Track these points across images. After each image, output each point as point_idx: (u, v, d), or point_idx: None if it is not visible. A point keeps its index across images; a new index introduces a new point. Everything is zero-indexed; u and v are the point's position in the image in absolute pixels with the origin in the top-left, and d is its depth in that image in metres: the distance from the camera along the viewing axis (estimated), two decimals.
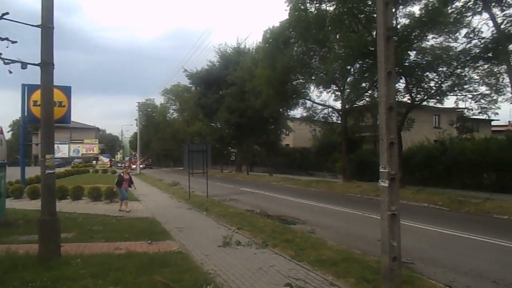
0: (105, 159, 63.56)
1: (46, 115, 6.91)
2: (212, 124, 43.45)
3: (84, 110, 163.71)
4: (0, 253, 6.67)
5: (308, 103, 29.39)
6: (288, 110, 33.29)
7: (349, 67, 23.26)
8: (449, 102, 22.17)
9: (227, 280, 5.74)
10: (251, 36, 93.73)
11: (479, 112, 20.15)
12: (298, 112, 32.88)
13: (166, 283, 5.37)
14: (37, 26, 6.87)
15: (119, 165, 68.39)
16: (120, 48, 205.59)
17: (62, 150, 60.18)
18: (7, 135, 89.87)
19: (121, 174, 14.38)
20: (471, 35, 17.10)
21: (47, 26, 6.83)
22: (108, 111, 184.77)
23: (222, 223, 10.84)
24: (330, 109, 28.55)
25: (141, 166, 52.08)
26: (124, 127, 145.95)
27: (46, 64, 6.84)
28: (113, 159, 76.56)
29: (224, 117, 36.92)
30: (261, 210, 14.13)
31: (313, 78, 26.21)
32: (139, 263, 6.26)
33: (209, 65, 41.66)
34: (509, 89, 17.64)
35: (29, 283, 5.23)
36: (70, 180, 27.24)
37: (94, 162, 60.16)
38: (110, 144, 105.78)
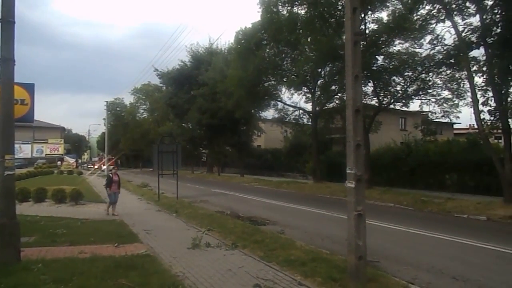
0: (70, 160, 61.20)
1: (5, 113, 6.62)
2: (183, 124, 42.91)
3: (49, 109, 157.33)
4: None
5: (280, 105, 29.71)
6: (260, 112, 33.41)
7: (319, 70, 23.72)
8: (415, 105, 23.09)
9: (196, 283, 5.68)
10: (223, 36, 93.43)
11: (442, 116, 21.03)
12: (269, 113, 33.18)
13: (132, 287, 5.25)
14: None
15: (88, 166, 66.09)
16: (88, 44, 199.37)
17: (25, 150, 57.40)
18: None
19: (110, 175, 13.47)
20: (434, 42, 17.85)
21: (7, 20, 6.54)
22: (74, 110, 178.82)
23: (192, 225, 10.73)
24: (301, 111, 28.95)
25: (111, 167, 50.53)
26: (92, 127, 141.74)
27: (6, 60, 6.56)
28: (79, 160, 73.89)
29: (195, 118, 36.56)
30: (232, 211, 14.10)
31: (284, 80, 26.43)
32: (105, 267, 6.09)
33: (180, 65, 41.20)
34: (469, 94, 18.53)
35: None
36: (32, 181, 26.07)
37: (59, 163, 57.90)
38: (76, 144, 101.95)
